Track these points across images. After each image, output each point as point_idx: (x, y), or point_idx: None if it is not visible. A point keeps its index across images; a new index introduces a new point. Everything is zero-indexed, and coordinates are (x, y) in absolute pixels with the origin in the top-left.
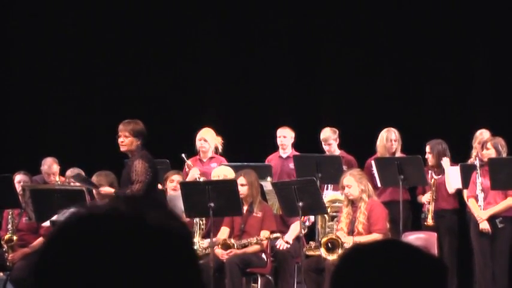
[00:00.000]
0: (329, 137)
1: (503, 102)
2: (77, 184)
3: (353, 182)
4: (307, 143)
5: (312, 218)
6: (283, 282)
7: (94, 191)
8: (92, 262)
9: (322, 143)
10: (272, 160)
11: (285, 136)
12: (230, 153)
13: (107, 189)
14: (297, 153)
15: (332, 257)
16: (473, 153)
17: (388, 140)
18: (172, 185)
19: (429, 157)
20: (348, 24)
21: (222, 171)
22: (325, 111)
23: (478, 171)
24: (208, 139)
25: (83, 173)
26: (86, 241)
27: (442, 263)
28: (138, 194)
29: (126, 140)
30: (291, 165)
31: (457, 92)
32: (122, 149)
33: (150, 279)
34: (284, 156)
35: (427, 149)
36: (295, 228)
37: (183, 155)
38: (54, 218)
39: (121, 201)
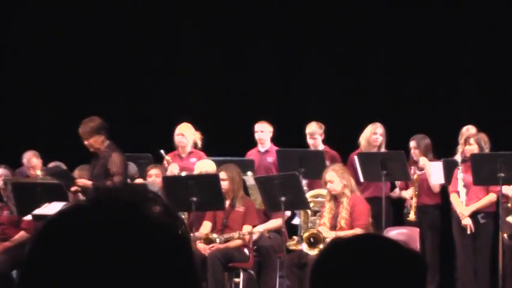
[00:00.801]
0: (315, 131)
1: (487, 99)
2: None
3: (335, 177)
4: (288, 137)
5: (287, 213)
6: (266, 276)
7: (67, 187)
8: (86, 252)
9: (308, 136)
10: (252, 155)
11: (263, 131)
12: (210, 148)
13: (84, 181)
14: (276, 147)
15: (314, 252)
16: (460, 149)
17: (372, 133)
18: (151, 180)
19: (416, 152)
20: (332, 18)
21: (204, 166)
22: (308, 106)
23: (460, 167)
24: (186, 134)
25: (63, 166)
26: (80, 231)
27: (419, 257)
28: (119, 186)
29: (90, 141)
30: (269, 159)
31: (441, 88)
32: (91, 150)
33: (145, 271)
34: (262, 150)
35: (413, 144)
36: (273, 223)
37: (161, 151)
38: (36, 211)
39: (102, 192)
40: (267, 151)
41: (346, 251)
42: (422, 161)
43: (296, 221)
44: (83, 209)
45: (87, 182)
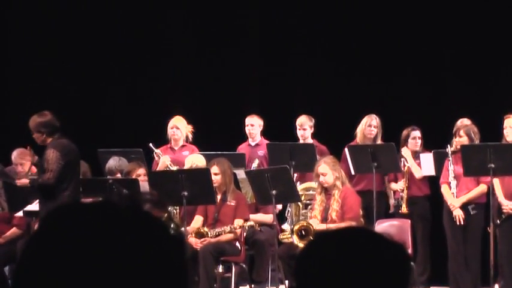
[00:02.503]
0: (305, 122)
1: (477, 90)
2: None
3: (328, 170)
4: (278, 130)
5: (279, 206)
6: (260, 269)
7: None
8: (82, 250)
9: (298, 127)
10: (242, 149)
11: (253, 124)
12: (200, 142)
13: (22, 181)
14: (266, 141)
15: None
16: (454, 141)
17: (367, 125)
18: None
19: (419, 142)
20: (324, 7)
21: (194, 160)
22: (297, 100)
23: (450, 158)
24: (180, 127)
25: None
26: (76, 229)
27: (403, 249)
28: (48, 183)
29: (37, 136)
30: (260, 153)
31: (434, 81)
32: (39, 143)
33: (138, 270)
34: (253, 144)
35: (418, 133)
36: (263, 217)
37: (151, 145)
38: (28, 208)
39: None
40: (257, 144)
41: (330, 244)
42: (405, 152)
43: (285, 226)
44: (80, 207)
45: (25, 181)
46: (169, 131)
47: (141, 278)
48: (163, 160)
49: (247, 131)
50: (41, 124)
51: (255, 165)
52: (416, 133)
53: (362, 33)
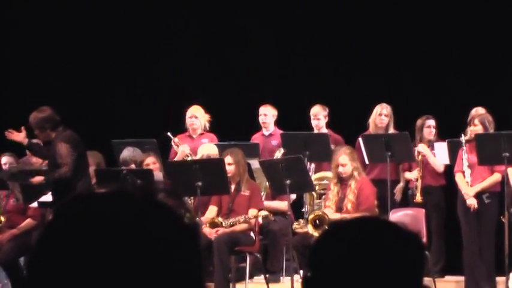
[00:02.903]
0: (319, 112)
1: (491, 78)
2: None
3: (347, 160)
4: (293, 120)
5: (293, 196)
6: (274, 259)
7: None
8: (96, 241)
9: (312, 117)
10: (256, 139)
11: (266, 114)
12: (216, 132)
13: (37, 179)
14: (280, 131)
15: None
16: (469, 130)
17: (377, 114)
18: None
19: (433, 132)
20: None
21: (207, 150)
22: (312, 88)
23: (464, 147)
24: (198, 116)
25: (13, 162)
26: (91, 220)
27: (417, 239)
28: (66, 176)
29: (39, 132)
30: (274, 142)
31: (448, 70)
32: (41, 140)
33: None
34: (266, 134)
35: (433, 122)
36: (277, 203)
37: (169, 133)
38: (42, 198)
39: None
40: (271, 134)
41: (344, 233)
42: (422, 148)
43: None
44: (94, 198)
45: (40, 178)
46: (188, 121)
47: (155, 268)
48: (183, 149)
49: (260, 121)
50: (43, 120)
51: (279, 154)
52: (431, 122)
53: (378, 21)
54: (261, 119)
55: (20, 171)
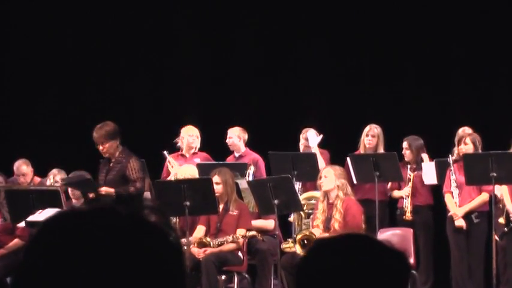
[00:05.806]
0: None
1: (478, 98)
2: (68, 186)
3: (331, 174)
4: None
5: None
6: (262, 280)
7: (70, 191)
8: (81, 257)
9: (303, 140)
10: (229, 160)
11: (231, 137)
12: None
13: (107, 189)
14: (252, 152)
15: None
16: (456, 150)
17: (365, 135)
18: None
19: (406, 153)
20: (328, 10)
21: (187, 171)
22: (301, 109)
23: (452, 167)
24: (198, 136)
25: (87, 176)
26: (75, 236)
27: (403, 256)
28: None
29: (106, 146)
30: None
31: (435, 90)
32: (105, 155)
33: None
34: (237, 155)
35: (405, 144)
36: (264, 222)
37: (165, 152)
38: (30, 218)
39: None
40: (241, 156)
41: (330, 251)
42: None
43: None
44: (79, 214)
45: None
46: (189, 139)
47: (139, 285)
48: (175, 172)
49: (227, 143)
50: (114, 131)
51: (250, 171)
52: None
53: (366, 42)
54: (227, 141)
55: (83, 180)
